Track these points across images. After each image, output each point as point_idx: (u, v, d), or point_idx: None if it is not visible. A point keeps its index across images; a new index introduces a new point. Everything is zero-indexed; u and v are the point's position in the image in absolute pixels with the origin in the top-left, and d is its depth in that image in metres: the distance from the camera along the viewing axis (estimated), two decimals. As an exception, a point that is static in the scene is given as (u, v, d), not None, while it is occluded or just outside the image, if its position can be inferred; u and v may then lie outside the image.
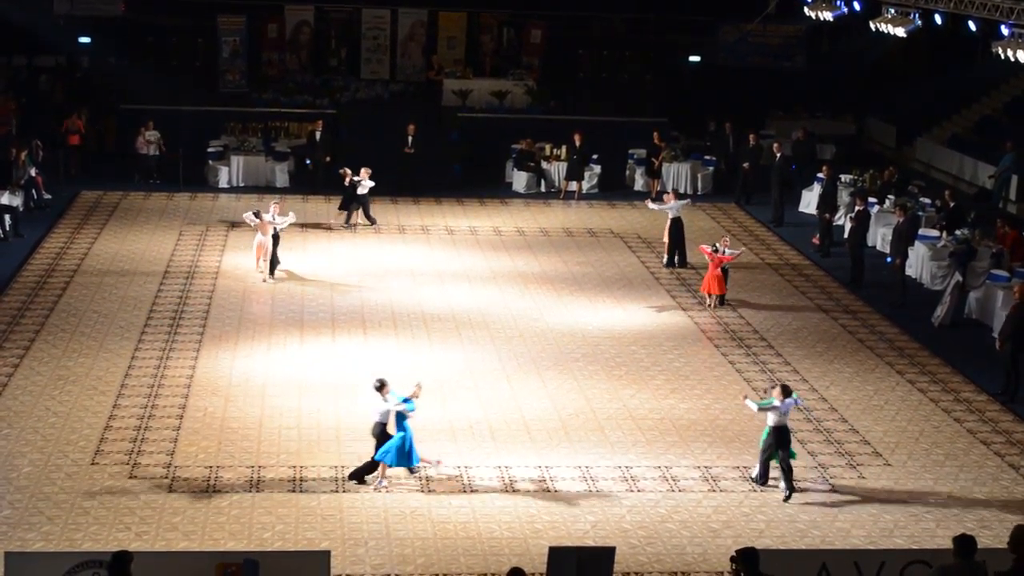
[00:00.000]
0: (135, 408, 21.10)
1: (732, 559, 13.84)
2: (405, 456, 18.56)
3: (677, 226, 29.96)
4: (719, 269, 27.32)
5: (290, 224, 28.32)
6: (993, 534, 17.79)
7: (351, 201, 32.41)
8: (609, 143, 38.10)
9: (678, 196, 30.60)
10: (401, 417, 18.53)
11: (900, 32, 34.06)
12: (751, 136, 36.91)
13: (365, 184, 31.96)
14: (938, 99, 43.44)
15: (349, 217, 32.54)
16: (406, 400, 18.64)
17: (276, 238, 27.82)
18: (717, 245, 27.47)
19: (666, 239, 30.19)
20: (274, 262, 27.98)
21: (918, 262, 30.02)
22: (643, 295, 28.19)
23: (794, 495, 18.78)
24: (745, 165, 36.53)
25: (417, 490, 18.58)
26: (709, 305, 27.38)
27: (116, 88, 40.13)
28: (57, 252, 29.62)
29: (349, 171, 32.23)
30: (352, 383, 22.17)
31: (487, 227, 33.32)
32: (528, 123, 38.55)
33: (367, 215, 32.69)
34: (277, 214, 27.73)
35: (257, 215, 27.83)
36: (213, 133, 37.72)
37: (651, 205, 31.21)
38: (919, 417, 22.05)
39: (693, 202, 34.06)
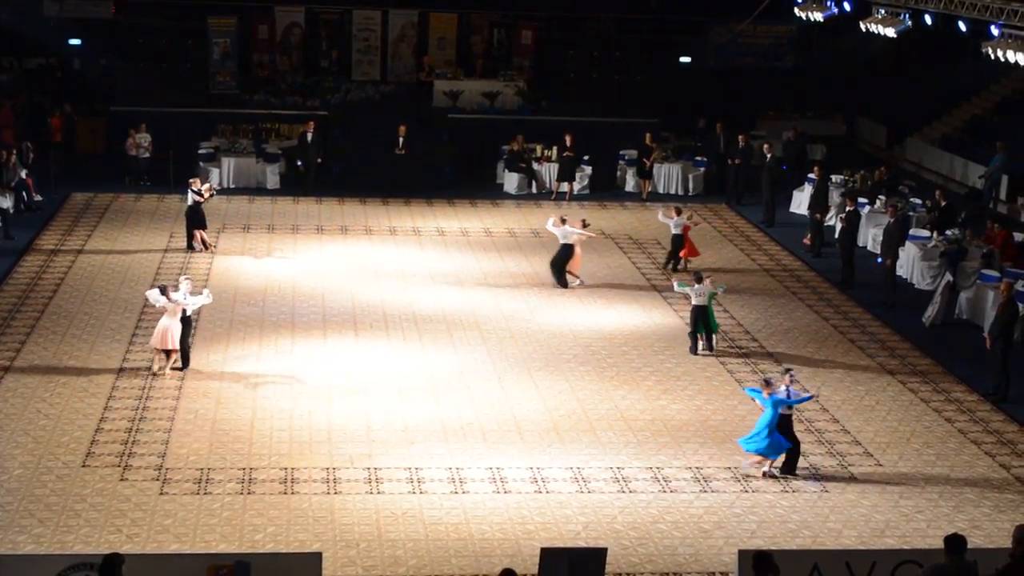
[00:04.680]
0: (126, 410, 21.08)
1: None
2: (755, 440, 19.47)
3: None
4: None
5: (203, 305, 23.44)
6: (984, 534, 17.84)
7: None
8: (600, 144, 38.12)
9: (679, 212, 30.03)
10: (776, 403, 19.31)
11: (890, 32, 34.10)
12: (740, 137, 36.90)
13: (190, 196, 29.89)
14: (928, 99, 43.52)
15: (191, 240, 30.13)
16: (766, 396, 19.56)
17: (187, 322, 22.87)
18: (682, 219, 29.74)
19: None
20: (186, 351, 22.90)
21: (909, 262, 30.06)
22: (634, 296, 28.20)
23: (784, 493, 18.95)
24: (736, 161, 36.55)
25: (409, 492, 18.59)
26: (681, 268, 29.78)
27: (106, 90, 40.07)
28: (48, 254, 29.57)
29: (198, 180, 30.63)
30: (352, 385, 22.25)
31: (478, 228, 33.32)
32: (519, 124, 38.51)
33: (202, 236, 30.29)
34: (189, 293, 22.90)
35: (164, 292, 22.67)
36: (204, 135, 37.69)
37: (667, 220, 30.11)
38: (910, 417, 22.08)
39: (684, 203, 34.04)
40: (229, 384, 22.38)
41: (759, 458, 19.60)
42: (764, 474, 19.53)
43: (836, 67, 44.46)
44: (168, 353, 22.58)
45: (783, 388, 19.52)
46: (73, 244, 30.44)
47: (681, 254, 29.90)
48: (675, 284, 25.96)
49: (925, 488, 19.38)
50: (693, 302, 24.53)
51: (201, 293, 23.50)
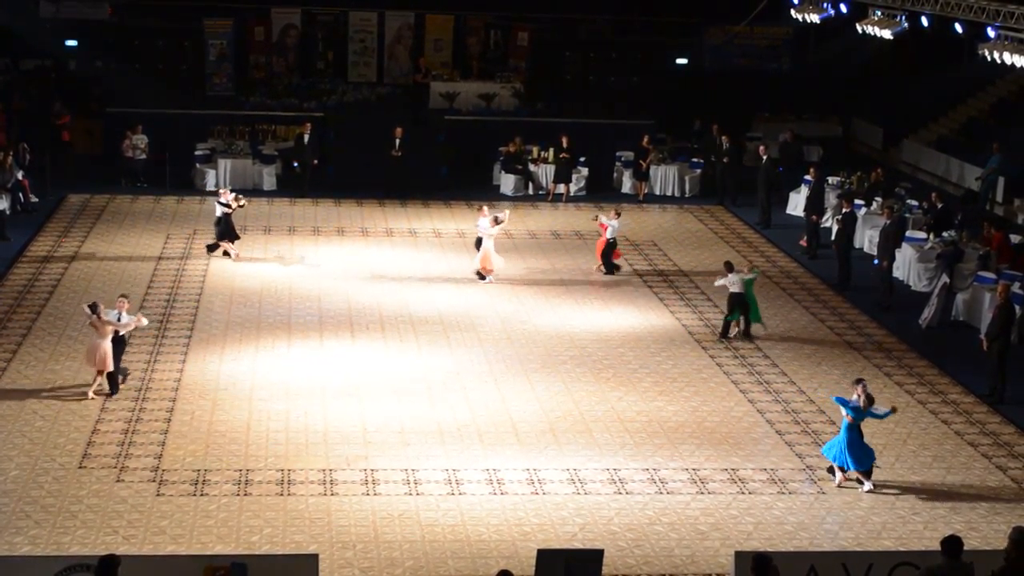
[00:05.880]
0: (123, 412, 21.06)
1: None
2: (845, 456, 19.25)
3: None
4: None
5: (140, 328, 22.57)
6: (980, 535, 17.85)
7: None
8: (596, 145, 38.13)
9: (618, 214, 30.05)
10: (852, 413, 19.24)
11: (886, 34, 34.13)
12: (723, 137, 36.66)
13: (218, 207, 29.68)
14: (924, 101, 43.53)
15: (214, 247, 29.83)
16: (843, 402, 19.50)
17: (121, 343, 21.73)
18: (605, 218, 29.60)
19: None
20: (119, 373, 21.83)
21: (905, 264, 30.07)
22: (630, 297, 28.20)
23: (781, 495, 18.95)
24: (724, 159, 36.51)
25: (405, 493, 18.58)
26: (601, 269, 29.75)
27: (103, 91, 40.03)
28: (44, 256, 29.54)
29: (228, 192, 30.09)
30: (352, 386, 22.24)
31: (474, 230, 33.24)
32: (515, 125, 38.51)
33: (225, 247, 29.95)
34: (125, 312, 21.77)
35: (94, 309, 21.36)
36: (200, 136, 37.65)
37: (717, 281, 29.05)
38: (907, 419, 22.06)
39: (680, 205, 34.07)
40: (225, 386, 22.37)
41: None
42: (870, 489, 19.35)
43: (832, 69, 44.45)
44: (102, 374, 21.48)
45: (855, 397, 19.35)
46: (69, 246, 30.41)
47: (615, 257, 29.68)
48: (716, 281, 26.70)
49: (922, 490, 19.38)
50: (731, 290, 25.37)
51: (134, 315, 22.32)
